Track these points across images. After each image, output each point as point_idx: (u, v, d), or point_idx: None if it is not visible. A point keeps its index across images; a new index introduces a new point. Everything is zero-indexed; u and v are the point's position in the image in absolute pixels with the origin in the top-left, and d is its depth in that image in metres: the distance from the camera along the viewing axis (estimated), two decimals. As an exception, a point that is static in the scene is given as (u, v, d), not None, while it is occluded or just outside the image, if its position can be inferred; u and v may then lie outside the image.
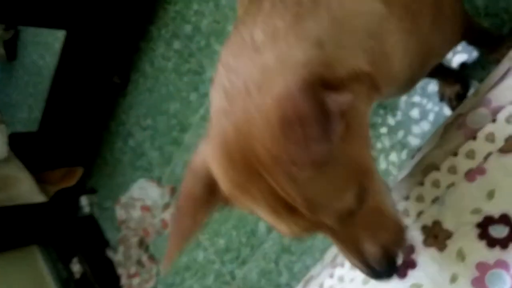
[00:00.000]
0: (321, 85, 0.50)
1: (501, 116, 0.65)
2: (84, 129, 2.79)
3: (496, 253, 0.65)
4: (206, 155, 0.58)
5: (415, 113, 1.44)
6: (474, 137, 0.67)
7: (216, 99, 0.57)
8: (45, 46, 3.15)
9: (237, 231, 2.06)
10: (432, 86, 1.38)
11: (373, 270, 0.62)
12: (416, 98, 1.44)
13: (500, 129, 0.64)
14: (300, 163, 0.48)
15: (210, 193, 0.60)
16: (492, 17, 1.25)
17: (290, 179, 0.50)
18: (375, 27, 0.60)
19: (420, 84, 1.38)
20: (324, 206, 0.55)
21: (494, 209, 0.65)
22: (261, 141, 0.50)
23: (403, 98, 1.48)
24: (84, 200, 2.98)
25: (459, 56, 1.31)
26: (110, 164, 2.85)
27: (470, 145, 0.67)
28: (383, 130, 1.53)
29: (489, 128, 0.65)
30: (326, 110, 0.46)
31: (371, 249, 0.61)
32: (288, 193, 0.52)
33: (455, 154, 0.69)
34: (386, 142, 1.52)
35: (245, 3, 0.69)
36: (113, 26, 2.33)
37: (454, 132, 0.70)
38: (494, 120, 0.65)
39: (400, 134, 1.49)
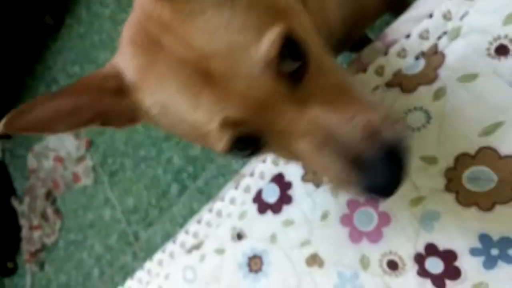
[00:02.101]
0: None
1: (393, 49, 0.63)
2: (6, 70, 2.60)
3: (367, 191, 0.63)
4: (117, 60, 0.52)
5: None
6: (364, 70, 0.64)
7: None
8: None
9: (148, 191, 1.98)
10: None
11: (363, 166, 0.41)
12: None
13: (390, 63, 0.62)
14: None
15: (114, 93, 0.51)
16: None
17: (184, 29, 0.43)
18: None
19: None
20: (240, 56, 0.42)
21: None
22: (151, 11, 0.45)
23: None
24: (-4, 145, 2.80)
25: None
26: (29, 110, 2.68)
27: (359, 77, 0.65)
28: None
29: (380, 61, 0.63)
30: None
31: (348, 129, 0.42)
32: (192, 48, 0.43)
33: (344, 86, 0.67)
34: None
35: None
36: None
37: (349, 68, 0.68)
38: (386, 54, 0.63)
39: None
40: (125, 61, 0.50)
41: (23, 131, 0.50)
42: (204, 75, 0.42)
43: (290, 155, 0.48)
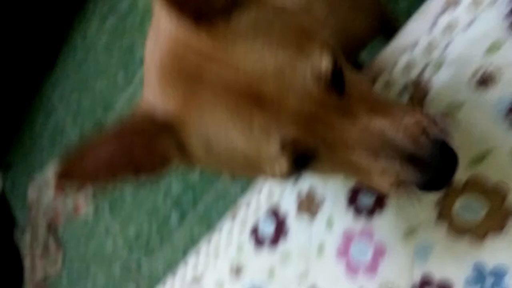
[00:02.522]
0: None
1: (380, 80, 0.63)
2: (4, 103, 2.61)
3: (361, 222, 0.63)
4: (148, 95, 0.49)
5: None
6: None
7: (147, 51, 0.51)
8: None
9: (148, 218, 1.98)
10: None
11: (422, 163, 0.43)
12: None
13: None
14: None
15: (154, 132, 0.47)
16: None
17: (230, 57, 0.43)
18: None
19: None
20: (291, 73, 0.42)
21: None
22: (187, 41, 0.45)
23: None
24: (-4, 176, 2.81)
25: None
26: (29, 139, 2.69)
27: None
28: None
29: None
30: None
31: (400, 132, 0.44)
32: (239, 73, 0.42)
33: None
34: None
35: None
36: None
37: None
38: (373, 84, 0.64)
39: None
40: (160, 94, 0.47)
41: (77, 183, 0.47)
42: (254, 98, 0.42)
43: (343, 168, 0.48)
